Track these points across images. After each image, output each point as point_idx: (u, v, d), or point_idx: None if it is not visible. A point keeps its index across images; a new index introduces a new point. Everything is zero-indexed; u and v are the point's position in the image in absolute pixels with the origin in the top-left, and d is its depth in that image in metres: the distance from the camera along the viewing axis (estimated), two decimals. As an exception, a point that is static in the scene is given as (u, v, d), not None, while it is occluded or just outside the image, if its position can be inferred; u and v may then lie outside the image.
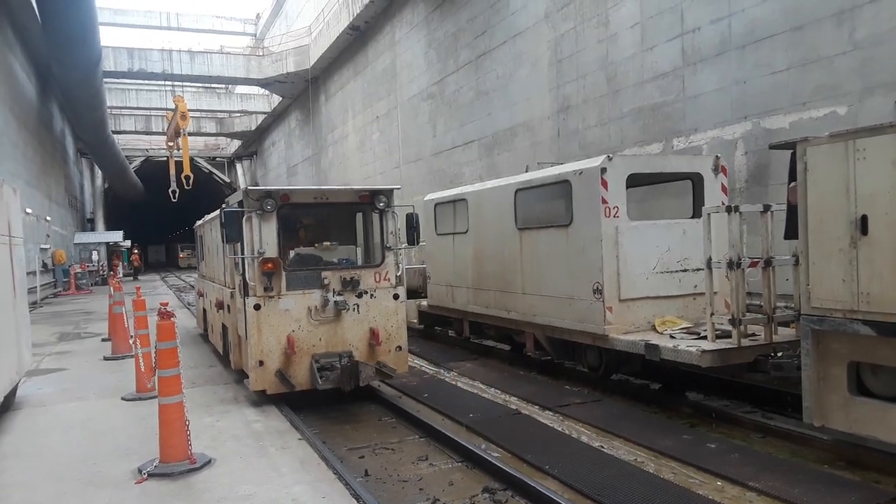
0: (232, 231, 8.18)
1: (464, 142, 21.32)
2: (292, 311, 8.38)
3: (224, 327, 10.26)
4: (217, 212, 10.24)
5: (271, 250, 8.33)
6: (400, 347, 8.92)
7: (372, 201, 9.02)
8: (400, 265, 9.24)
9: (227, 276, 9.91)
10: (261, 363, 8.17)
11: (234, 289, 9.07)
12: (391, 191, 9.18)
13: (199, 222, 13.90)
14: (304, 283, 8.51)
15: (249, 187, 8.78)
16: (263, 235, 8.30)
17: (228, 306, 9.68)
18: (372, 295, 8.77)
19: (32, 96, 28.97)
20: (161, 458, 5.80)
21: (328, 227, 9.96)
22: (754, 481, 5.43)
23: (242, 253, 8.40)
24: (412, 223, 9.37)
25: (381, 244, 9.03)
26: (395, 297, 8.97)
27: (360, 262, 9.38)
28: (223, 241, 8.92)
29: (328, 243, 9.40)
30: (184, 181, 28.37)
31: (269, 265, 8.30)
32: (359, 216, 9.80)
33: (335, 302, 8.45)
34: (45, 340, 14.10)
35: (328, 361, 8.34)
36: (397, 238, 9.09)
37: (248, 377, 8.42)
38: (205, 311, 13.33)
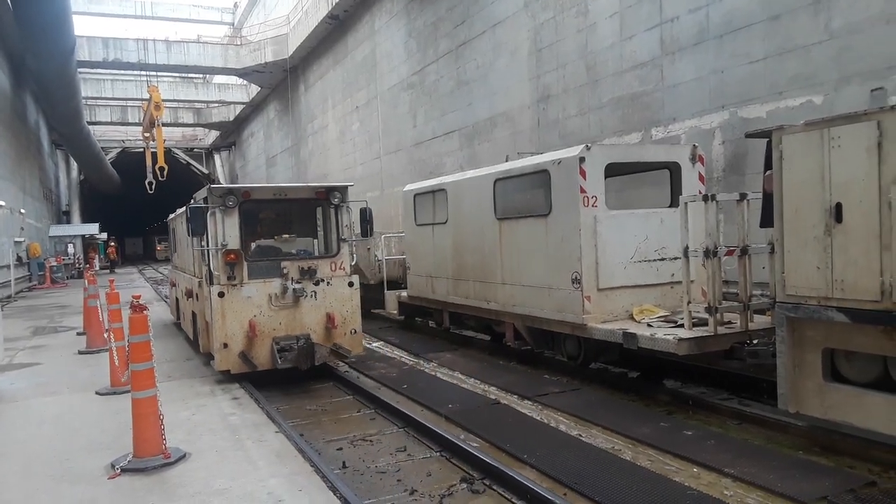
0: (197, 225, 8.84)
1: (444, 132, 21.24)
2: (254, 297, 9.12)
3: (193, 314, 10.95)
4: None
5: (234, 242, 9.05)
6: (355, 331, 9.67)
7: (327, 197, 9.78)
8: (354, 255, 10.00)
9: (195, 267, 10.54)
10: (225, 345, 8.89)
11: (202, 278, 9.70)
12: (345, 187, 9.90)
13: (171, 216, 14.32)
14: (264, 273, 9.24)
15: (212, 185, 9.53)
16: (226, 229, 9.02)
17: (196, 294, 10.35)
18: (328, 283, 9.53)
19: (6, 87, 28.42)
20: (135, 453, 5.72)
21: (287, 221, 10.69)
22: (730, 467, 5.46)
23: (207, 245, 9.07)
24: (366, 217, 10.11)
25: (337, 236, 9.79)
26: (350, 284, 9.71)
27: (317, 253, 10.06)
28: (189, 235, 9.56)
29: (287, 236, 10.18)
30: (158, 173, 28.04)
31: (232, 256, 9.01)
32: (318, 210, 10.39)
33: (293, 289, 9.20)
34: (19, 335, 13.88)
35: (287, 343, 9.01)
36: (351, 230, 9.88)
37: (212, 358, 9.16)
38: (177, 300, 13.79)
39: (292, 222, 10.73)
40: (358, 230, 10.12)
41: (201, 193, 9.67)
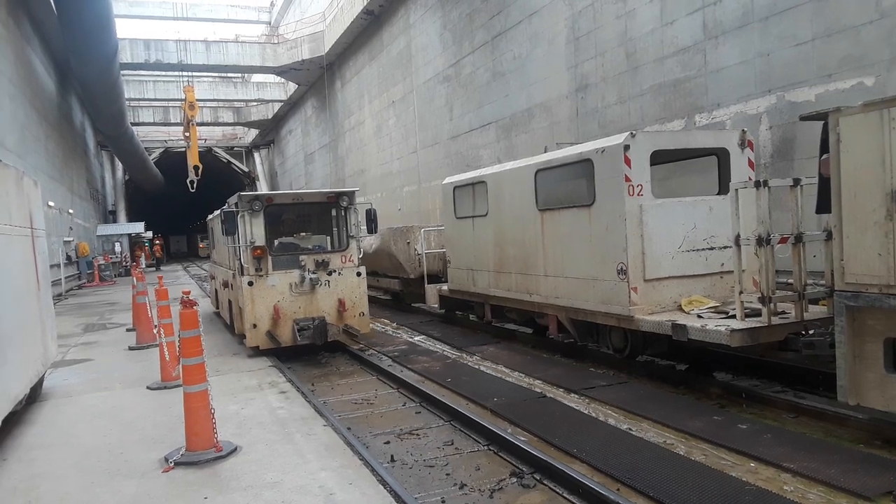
0: (230, 226, 10.60)
1: (481, 124, 21.13)
2: (277, 286, 10.79)
3: (229, 301, 12.64)
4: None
5: (260, 240, 10.72)
6: (363, 313, 11.34)
7: (337, 200, 11.44)
8: (361, 249, 11.76)
9: (229, 261, 12.25)
10: (254, 326, 10.62)
11: (235, 270, 11.43)
12: (353, 192, 11.53)
13: (210, 216, 16.00)
14: (286, 265, 10.92)
15: (242, 193, 11.11)
16: (254, 229, 10.68)
17: (231, 284, 12.11)
18: (339, 273, 11.19)
19: (52, 90, 29.18)
20: (187, 447, 5.80)
21: (304, 222, 12.09)
22: (789, 462, 5.30)
23: (238, 242, 10.84)
24: (370, 216, 11.82)
25: (346, 233, 11.41)
26: (358, 274, 11.37)
27: (329, 248, 11.59)
28: (223, 234, 11.31)
29: (304, 234, 11.78)
30: (192, 171, 28.49)
31: (259, 251, 10.68)
32: (331, 211, 11.85)
33: (310, 279, 10.87)
34: (70, 332, 14.24)
35: (305, 324, 10.66)
36: (359, 228, 11.48)
37: (243, 337, 10.94)
38: (216, 291, 15.56)
39: (309, 222, 12.11)
40: (364, 228, 11.80)
41: (233, 199, 11.15)
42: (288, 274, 10.84)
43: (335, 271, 11.14)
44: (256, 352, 10.65)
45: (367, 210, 11.64)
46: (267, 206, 10.89)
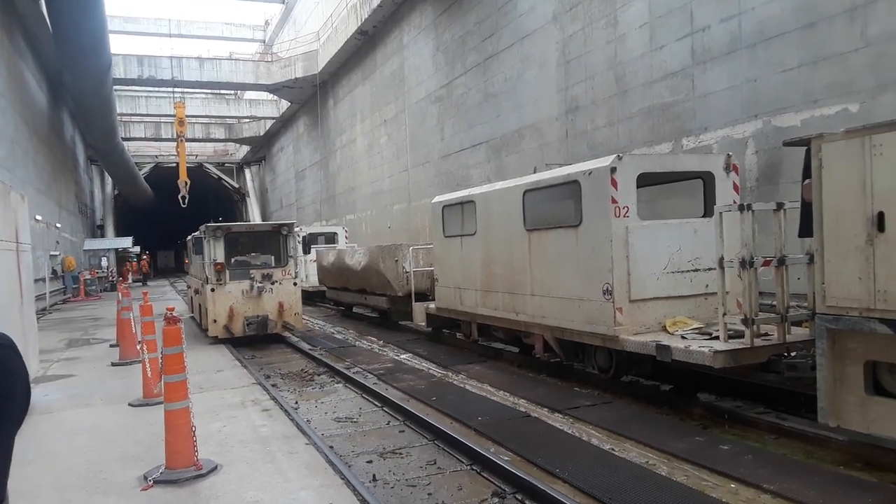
0: (198, 247, 14.93)
1: (472, 144, 21.27)
2: (233, 292, 14.22)
3: (199, 304, 16.24)
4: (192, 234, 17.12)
5: (220, 258, 14.21)
6: (297, 313, 14.88)
7: (280, 230, 15.16)
8: (298, 265, 15.71)
9: (199, 273, 15.81)
10: (215, 321, 14.10)
11: (202, 280, 14.79)
12: (292, 224, 15.53)
13: (188, 237, 19.03)
14: (240, 277, 14.41)
15: (208, 224, 14.55)
16: (216, 250, 14.20)
17: (199, 291, 15.69)
18: (280, 283, 14.68)
19: (44, 104, 29.16)
20: (167, 465, 5.74)
21: (255, 245, 15.54)
22: (769, 483, 5.31)
23: (205, 260, 14.30)
24: (305, 241, 17.59)
25: (286, 253, 15.02)
26: (294, 283, 14.93)
27: (273, 265, 14.95)
28: (193, 254, 16.05)
29: (254, 254, 15.26)
30: (181, 186, 28.50)
31: (220, 266, 14.16)
32: (276, 238, 15.30)
33: (258, 287, 14.39)
34: (53, 347, 14.11)
35: (253, 320, 14.24)
36: (296, 250, 15.34)
37: (207, 330, 14.36)
38: (191, 297, 19.29)
39: (258, 245, 15.52)
40: (300, 250, 16.27)
41: (202, 228, 14.60)
42: (241, 283, 14.28)
43: (277, 282, 14.61)
44: (215, 340, 14.06)
45: (302, 236, 16.11)
46: (227, 234, 14.50)
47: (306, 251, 15.49)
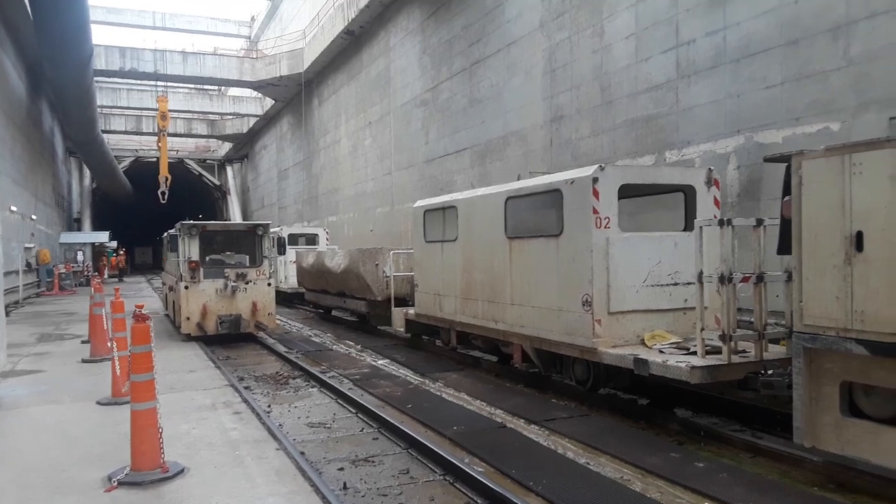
0: (173, 245, 14.90)
1: (456, 149, 21.22)
2: (207, 290, 14.25)
3: (173, 302, 16.19)
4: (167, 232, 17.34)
5: (195, 256, 14.26)
6: (270, 313, 14.91)
7: (255, 230, 15.18)
8: (273, 266, 15.83)
9: (174, 270, 15.94)
10: (188, 318, 14.12)
11: (177, 277, 14.88)
12: (267, 224, 15.45)
13: (164, 234, 19.24)
14: (214, 275, 14.39)
15: (183, 222, 14.52)
16: (191, 248, 14.27)
17: (174, 288, 15.80)
18: (254, 283, 14.71)
19: (22, 93, 28.67)
20: (132, 466, 5.59)
21: (230, 244, 15.44)
22: (743, 502, 5.28)
23: (179, 257, 14.32)
24: (281, 242, 18.19)
25: (260, 253, 15.04)
26: (269, 284, 14.95)
27: (247, 264, 14.96)
28: (168, 251, 15.96)
29: (229, 253, 15.13)
30: (161, 182, 28.15)
31: (194, 264, 14.19)
32: (251, 237, 15.32)
33: (231, 286, 14.39)
34: (23, 341, 13.83)
35: (226, 318, 14.28)
36: (271, 251, 15.42)
37: (181, 327, 14.36)
38: (166, 294, 19.41)
39: (233, 244, 15.43)
40: (276, 251, 16.36)
41: (178, 225, 14.66)
42: (215, 282, 14.31)
43: (251, 281, 14.63)
44: (188, 337, 14.09)
45: (277, 237, 16.22)
46: (202, 232, 14.49)
47: (281, 252, 15.61)
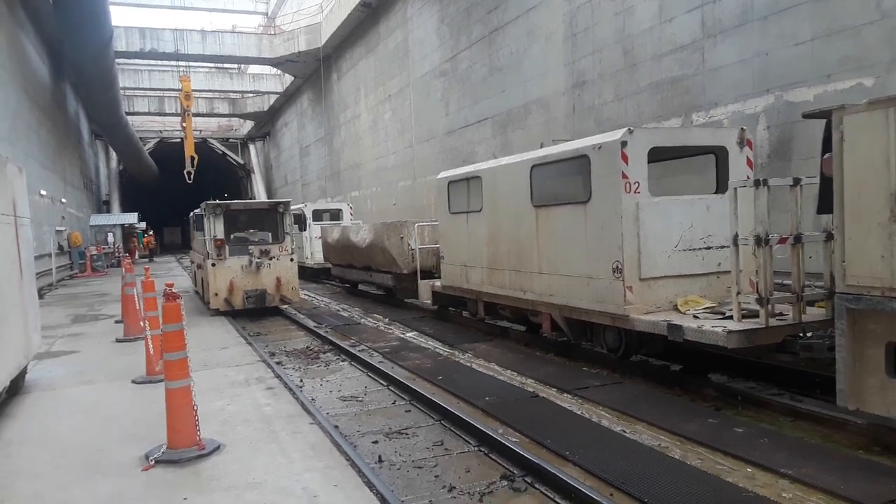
0: (200, 224, 15.45)
1: (477, 120, 20.97)
2: (233, 267, 14.92)
3: (201, 278, 16.96)
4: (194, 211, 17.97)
5: (220, 234, 14.90)
6: (294, 287, 15.55)
7: (276, 207, 15.79)
8: (294, 241, 16.34)
9: (201, 249, 16.56)
10: (216, 294, 14.81)
11: (204, 255, 15.44)
12: (288, 202, 16.07)
13: (191, 214, 19.86)
14: (239, 252, 15.06)
15: (207, 202, 15.16)
16: (216, 227, 14.90)
17: (202, 265, 16.47)
18: (277, 259, 15.31)
19: (45, 77, 28.83)
20: (169, 444, 5.63)
21: (254, 222, 16.18)
22: (786, 468, 5.17)
23: (206, 236, 14.96)
24: (301, 218, 20.01)
25: (282, 230, 15.66)
26: (291, 259, 15.55)
27: (270, 241, 15.57)
28: (195, 230, 17.06)
29: (253, 230, 15.87)
30: (188, 161, 28.25)
31: (219, 242, 14.85)
32: (272, 215, 15.94)
33: (256, 262, 15.05)
34: (58, 322, 14.05)
35: (251, 293, 14.98)
36: (292, 227, 15.98)
37: (209, 303, 15.06)
38: (195, 272, 20.35)
39: (256, 222, 16.14)
40: (297, 227, 17.05)
41: (202, 206, 15.33)
42: (240, 258, 14.97)
43: (274, 257, 15.23)
44: (217, 312, 14.84)
45: (296, 214, 16.97)
46: (226, 211, 15.16)
47: (303, 228, 16.79)
